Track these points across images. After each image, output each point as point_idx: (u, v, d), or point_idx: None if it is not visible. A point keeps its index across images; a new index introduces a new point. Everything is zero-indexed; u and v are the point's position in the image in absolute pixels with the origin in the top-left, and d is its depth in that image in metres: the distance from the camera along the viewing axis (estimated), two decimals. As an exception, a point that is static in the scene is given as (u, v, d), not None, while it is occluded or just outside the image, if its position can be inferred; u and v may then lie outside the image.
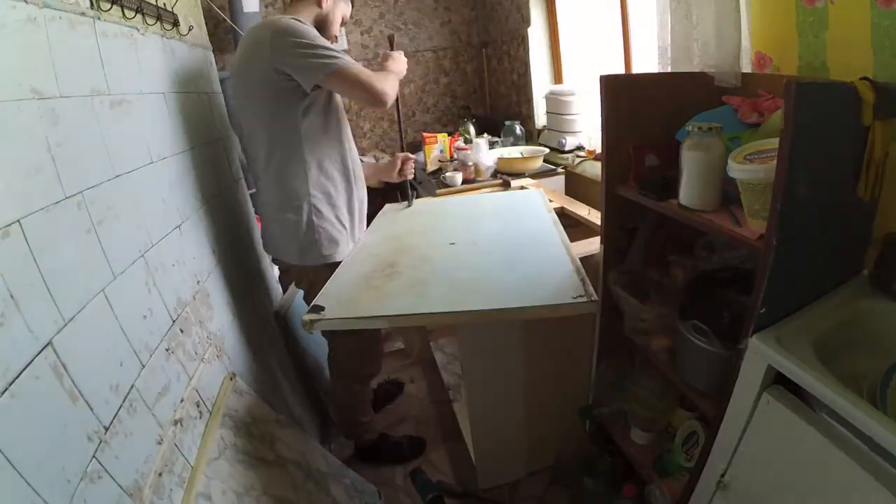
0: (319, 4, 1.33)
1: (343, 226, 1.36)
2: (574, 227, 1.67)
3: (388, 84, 1.26)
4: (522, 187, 1.99)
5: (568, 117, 2.24)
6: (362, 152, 2.87)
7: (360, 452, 1.69)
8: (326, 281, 1.18)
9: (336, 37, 1.41)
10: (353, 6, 1.46)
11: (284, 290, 1.83)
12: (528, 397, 1.44)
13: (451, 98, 3.38)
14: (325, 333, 1.46)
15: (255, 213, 1.72)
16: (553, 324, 1.36)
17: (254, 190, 1.67)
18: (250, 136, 1.29)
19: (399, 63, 1.44)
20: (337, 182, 1.34)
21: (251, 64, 1.19)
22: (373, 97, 1.22)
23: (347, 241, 1.37)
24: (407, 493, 1.56)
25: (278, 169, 1.26)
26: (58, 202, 0.69)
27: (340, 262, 1.31)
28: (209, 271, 1.22)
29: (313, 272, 1.33)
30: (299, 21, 1.19)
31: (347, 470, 1.43)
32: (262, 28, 1.20)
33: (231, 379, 1.13)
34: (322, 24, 1.34)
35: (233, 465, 0.96)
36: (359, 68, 1.21)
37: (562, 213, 1.70)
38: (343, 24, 1.43)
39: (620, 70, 2.11)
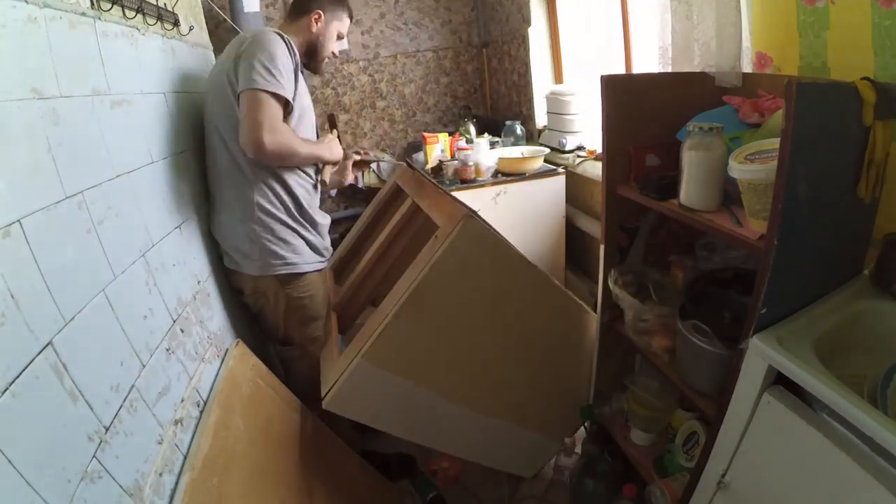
0: (310, 28, 1.34)
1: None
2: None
3: (284, 144, 1.17)
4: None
5: (568, 117, 2.24)
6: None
7: None
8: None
9: (334, 53, 1.42)
10: (350, 19, 1.44)
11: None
12: (529, 396, 1.44)
13: (451, 98, 3.37)
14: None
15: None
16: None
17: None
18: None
19: (326, 150, 1.36)
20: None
21: (222, 64, 1.22)
22: (247, 138, 1.13)
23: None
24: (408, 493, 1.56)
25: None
26: (58, 202, 0.69)
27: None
28: (209, 271, 1.22)
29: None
30: (283, 39, 1.19)
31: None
32: (247, 33, 1.21)
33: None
34: (313, 48, 1.36)
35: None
36: (269, 109, 1.13)
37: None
38: (339, 38, 1.42)
39: (620, 70, 2.11)
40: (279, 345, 1.45)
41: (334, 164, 1.44)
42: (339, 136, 1.51)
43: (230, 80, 1.17)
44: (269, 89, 1.12)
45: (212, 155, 1.26)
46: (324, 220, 1.41)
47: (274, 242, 1.26)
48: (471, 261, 1.08)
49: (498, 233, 1.11)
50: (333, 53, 1.42)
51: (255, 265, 1.26)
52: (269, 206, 1.24)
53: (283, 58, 1.16)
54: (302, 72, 1.28)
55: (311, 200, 1.35)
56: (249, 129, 1.12)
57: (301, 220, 1.32)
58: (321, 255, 1.39)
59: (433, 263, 1.05)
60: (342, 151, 1.45)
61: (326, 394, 1.10)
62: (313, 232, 1.36)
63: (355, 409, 1.15)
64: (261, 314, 1.39)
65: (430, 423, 1.26)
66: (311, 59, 1.38)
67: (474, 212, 1.08)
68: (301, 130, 1.28)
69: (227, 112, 1.19)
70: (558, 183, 2.19)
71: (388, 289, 1.15)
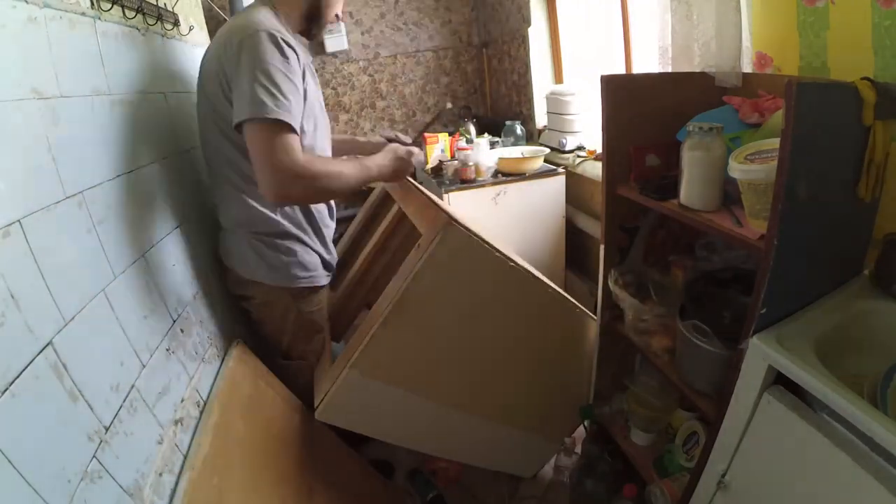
0: None
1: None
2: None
3: (315, 182, 0.98)
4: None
5: (568, 117, 2.24)
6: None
7: None
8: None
9: (338, 16, 1.19)
10: None
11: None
12: (526, 398, 1.44)
13: (451, 98, 3.37)
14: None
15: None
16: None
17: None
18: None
19: (374, 168, 1.16)
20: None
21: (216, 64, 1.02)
22: (267, 180, 0.94)
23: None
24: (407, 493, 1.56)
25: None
26: (58, 202, 0.69)
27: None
28: (210, 271, 1.22)
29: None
30: (276, 32, 0.95)
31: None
32: (236, 30, 0.98)
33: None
34: (315, 10, 1.13)
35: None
36: (288, 140, 0.93)
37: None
38: (339, 13, 1.19)
39: (621, 70, 2.11)
40: (280, 359, 1.32)
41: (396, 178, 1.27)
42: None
43: (221, 84, 1.00)
44: (279, 117, 0.92)
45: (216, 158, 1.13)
46: (331, 223, 1.31)
47: (288, 254, 1.17)
48: (454, 268, 1.08)
49: (482, 238, 1.10)
50: (337, 16, 1.19)
51: (270, 275, 1.17)
52: (281, 220, 1.14)
53: (287, 63, 0.96)
54: (311, 63, 1.12)
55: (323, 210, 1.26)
56: (270, 175, 0.94)
57: (311, 232, 1.22)
58: (331, 268, 1.32)
59: (415, 273, 1.04)
60: (405, 159, 1.25)
61: (318, 405, 1.10)
62: (324, 246, 1.27)
63: (348, 419, 1.15)
64: (262, 323, 1.27)
65: (426, 429, 1.26)
66: (311, 23, 1.15)
67: (455, 219, 1.06)
68: (318, 144, 1.14)
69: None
70: (558, 183, 2.19)
71: (380, 294, 1.15)
